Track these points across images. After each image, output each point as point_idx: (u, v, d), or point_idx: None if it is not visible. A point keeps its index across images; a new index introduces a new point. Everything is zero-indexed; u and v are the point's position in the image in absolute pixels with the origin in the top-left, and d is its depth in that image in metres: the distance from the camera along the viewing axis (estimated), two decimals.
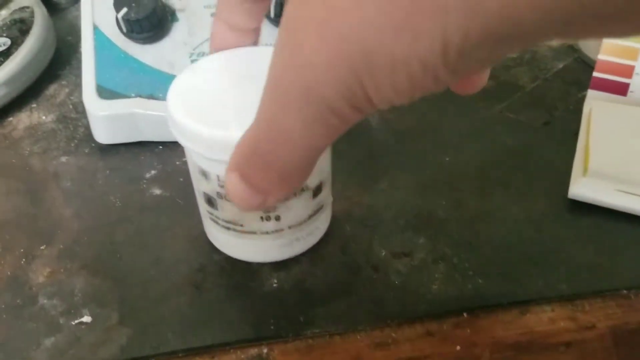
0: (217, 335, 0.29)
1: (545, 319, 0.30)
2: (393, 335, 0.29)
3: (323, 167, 0.29)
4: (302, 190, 0.28)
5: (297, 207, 0.28)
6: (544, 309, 0.30)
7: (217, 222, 0.30)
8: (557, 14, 0.14)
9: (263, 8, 0.28)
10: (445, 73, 0.16)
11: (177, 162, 0.38)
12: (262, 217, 0.28)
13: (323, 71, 0.16)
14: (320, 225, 0.32)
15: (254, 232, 0.29)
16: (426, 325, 0.30)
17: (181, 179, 0.37)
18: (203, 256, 0.32)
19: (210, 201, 0.29)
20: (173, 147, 0.38)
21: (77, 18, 0.48)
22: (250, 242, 0.30)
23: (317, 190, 0.29)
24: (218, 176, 0.27)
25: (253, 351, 0.28)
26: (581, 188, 0.35)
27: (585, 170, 0.36)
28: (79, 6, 0.49)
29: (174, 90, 0.26)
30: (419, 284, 0.31)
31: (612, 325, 0.30)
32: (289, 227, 0.29)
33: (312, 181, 0.28)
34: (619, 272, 0.32)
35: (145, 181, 0.36)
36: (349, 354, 0.29)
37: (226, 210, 0.28)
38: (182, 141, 0.26)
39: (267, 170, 0.20)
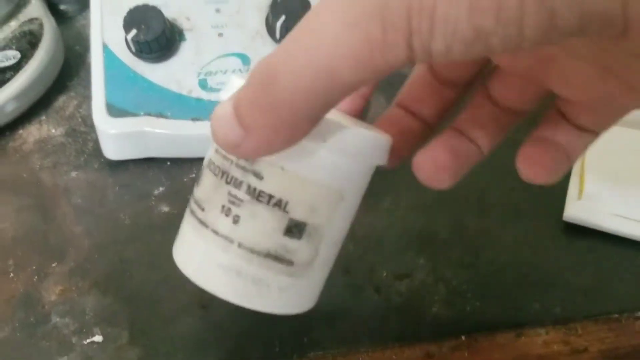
0: (224, 355, 0.30)
1: (540, 342, 0.31)
2: (394, 357, 0.31)
3: (317, 206, 0.22)
4: (274, 204, 0.22)
5: (259, 221, 0.22)
6: (538, 332, 0.32)
7: (189, 205, 0.24)
8: None
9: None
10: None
11: (185, 179, 0.39)
12: (222, 208, 0.22)
13: None
14: (281, 289, 0.23)
15: (205, 226, 0.23)
16: (425, 348, 0.31)
17: (189, 196, 0.38)
18: None
19: (198, 176, 0.24)
20: (180, 164, 0.39)
21: (85, 27, 0.49)
22: (199, 242, 0.23)
23: (294, 227, 0.22)
24: None
25: None
26: (576, 211, 0.36)
27: (580, 193, 0.37)
28: (86, 14, 0.50)
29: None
30: (420, 306, 0.32)
31: (603, 349, 0.31)
32: (239, 245, 0.22)
33: (295, 209, 0.22)
34: (611, 296, 0.33)
35: (153, 198, 0.37)
36: None
37: (203, 184, 0.23)
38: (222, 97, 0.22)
39: (262, 98, 0.18)
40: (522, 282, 0.33)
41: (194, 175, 0.39)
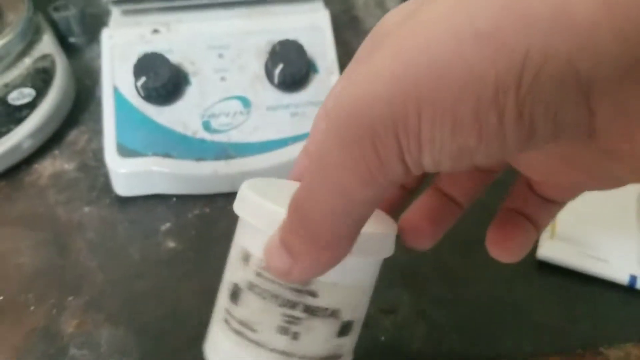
0: None
1: None
2: None
3: (357, 304, 0.25)
4: (329, 315, 0.24)
5: (317, 332, 0.24)
6: None
7: (229, 323, 0.25)
8: None
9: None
10: (513, 104, 0.15)
11: (189, 215, 0.42)
12: (279, 328, 0.24)
13: (383, 84, 0.16)
14: None
15: (262, 346, 0.24)
16: None
17: (193, 232, 0.41)
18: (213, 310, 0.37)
19: (234, 294, 0.25)
20: (185, 200, 0.43)
21: (93, 59, 0.52)
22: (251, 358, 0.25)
23: (345, 328, 0.25)
24: (262, 259, 0.24)
25: None
26: (549, 250, 0.39)
27: (553, 234, 0.40)
28: (94, 47, 0.52)
29: (247, 184, 0.26)
30: (402, 341, 0.36)
31: None
32: (302, 357, 0.24)
33: (345, 312, 0.24)
34: (575, 332, 0.36)
35: (160, 234, 0.41)
36: None
37: (248, 306, 0.24)
38: (241, 213, 0.25)
39: (299, 227, 0.20)
40: (497, 318, 0.37)
41: (198, 211, 0.42)
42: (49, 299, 0.37)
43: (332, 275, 0.22)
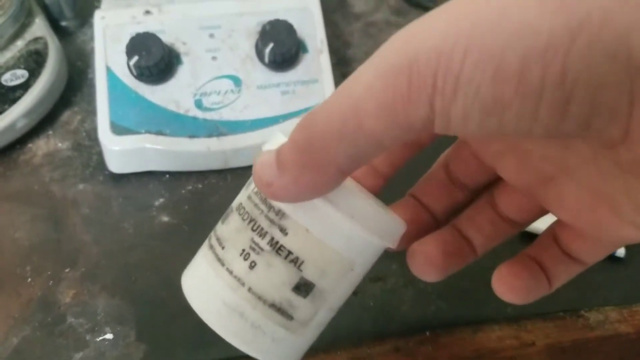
0: (221, 351, 0.34)
1: (494, 337, 0.36)
2: (368, 351, 0.35)
3: (327, 270, 0.23)
4: (291, 260, 0.23)
5: (273, 272, 0.23)
6: (493, 329, 0.36)
7: (209, 240, 0.26)
8: None
9: (402, 158, 0.27)
10: (559, 65, 0.15)
11: (182, 191, 0.43)
12: (242, 252, 0.23)
13: (443, 22, 0.16)
14: (274, 340, 0.24)
15: (222, 264, 0.24)
16: (395, 342, 0.36)
17: (186, 207, 0.42)
18: None
19: (226, 215, 0.26)
20: (178, 177, 0.44)
21: (85, 42, 0.53)
22: (209, 275, 0.24)
23: (303, 286, 0.23)
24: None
25: None
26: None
27: None
28: (86, 30, 0.53)
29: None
30: (391, 306, 0.37)
31: (548, 343, 0.36)
32: (249, 289, 0.23)
33: (308, 269, 0.23)
34: (558, 296, 0.38)
35: (154, 209, 0.42)
36: None
37: (229, 224, 0.24)
38: (264, 147, 0.24)
39: (298, 140, 0.19)
40: (480, 285, 0.38)
41: (190, 187, 0.43)
42: (46, 271, 0.38)
43: (306, 220, 0.22)
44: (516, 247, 0.40)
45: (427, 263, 0.25)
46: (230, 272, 0.23)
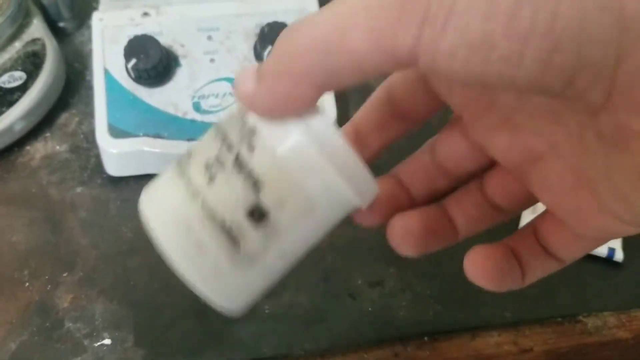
0: (218, 357, 0.34)
1: (492, 343, 0.36)
2: (365, 356, 0.35)
3: (287, 201, 0.21)
4: (250, 181, 0.21)
5: (230, 188, 0.21)
6: (491, 334, 0.36)
7: (182, 156, 0.23)
8: None
9: (393, 133, 0.26)
10: (551, 7, 0.15)
11: None
12: (206, 164, 0.22)
13: None
14: (215, 268, 0.22)
15: (183, 175, 0.22)
16: (393, 348, 0.36)
17: None
18: None
19: (206, 133, 0.24)
20: None
21: (83, 44, 0.52)
22: (169, 184, 0.23)
23: (258, 212, 0.21)
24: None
25: None
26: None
27: (534, 210, 0.41)
28: (84, 31, 0.53)
29: None
30: (388, 311, 0.37)
31: (546, 349, 0.36)
32: (202, 203, 0.21)
33: (267, 195, 0.21)
34: (556, 302, 0.38)
35: None
36: None
37: (202, 139, 0.23)
38: None
39: (280, 50, 0.19)
40: (478, 290, 0.38)
41: None
42: (44, 275, 0.38)
43: (276, 141, 0.21)
44: None
45: (406, 235, 0.25)
46: (189, 182, 0.22)
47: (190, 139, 0.42)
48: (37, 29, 0.49)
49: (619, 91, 0.16)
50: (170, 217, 0.22)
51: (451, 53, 0.16)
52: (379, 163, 0.27)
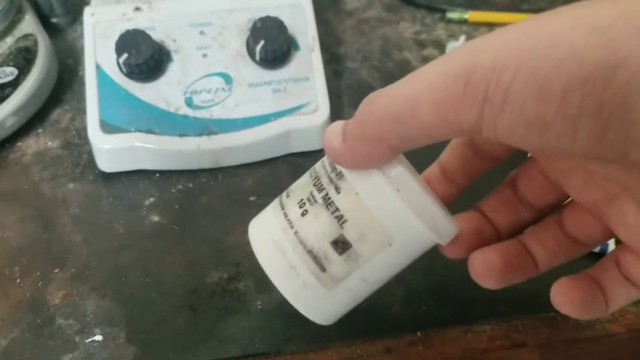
0: (211, 352, 0.34)
1: (485, 338, 0.36)
2: (358, 351, 0.35)
3: (367, 236, 0.25)
4: (337, 216, 0.25)
5: (319, 223, 0.26)
6: (484, 329, 0.36)
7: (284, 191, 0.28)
8: None
9: (476, 171, 0.29)
10: (598, 96, 0.17)
11: (173, 190, 0.43)
12: (300, 201, 0.26)
13: (501, 42, 0.18)
14: (305, 285, 0.26)
15: (282, 207, 0.27)
16: (386, 343, 0.36)
17: (176, 207, 0.42)
18: (197, 281, 0.38)
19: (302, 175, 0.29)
20: (169, 175, 0.43)
21: (75, 39, 0.52)
22: (270, 216, 0.27)
23: (341, 243, 0.26)
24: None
25: None
26: None
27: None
28: (76, 27, 0.53)
29: None
30: (382, 306, 0.37)
31: (539, 343, 0.36)
32: (295, 233, 0.26)
33: (350, 229, 0.25)
34: (548, 296, 0.38)
35: (144, 208, 0.41)
36: None
37: (299, 180, 0.28)
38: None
39: (360, 115, 0.22)
40: (472, 284, 0.38)
41: (181, 186, 0.43)
42: (35, 271, 0.38)
43: (359, 184, 0.25)
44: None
45: (487, 269, 0.27)
46: (286, 215, 0.27)
47: (182, 135, 0.42)
48: (29, 24, 0.49)
49: None
50: (269, 242, 0.27)
51: (510, 129, 0.18)
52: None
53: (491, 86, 0.18)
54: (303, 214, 0.26)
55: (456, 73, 0.19)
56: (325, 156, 0.26)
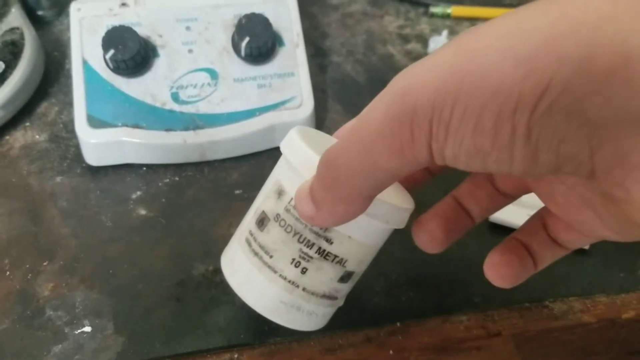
0: (196, 343, 0.35)
1: (462, 327, 0.37)
2: (340, 341, 0.36)
3: (362, 259, 0.29)
4: (337, 262, 0.28)
5: (323, 273, 0.28)
6: (461, 319, 0.38)
7: (250, 244, 0.29)
8: None
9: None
10: (525, 124, 0.18)
11: (159, 184, 0.43)
12: (292, 260, 0.28)
13: (436, 76, 0.19)
14: (324, 315, 0.31)
15: (274, 270, 0.28)
16: (366, 333, 0.37)
17: (163, 200, 0.42)
18: (183, 272, 0.39)
19: (261, 221, 0.29)
20: (155, 169, 0.44)
21: (62, 32, 0.53)
22: (263, 281, 0.28)
23: (346, 276, 0.29)
24: (292, 198, 0.27)
25: (226, 356, 0.35)
26: (501, 213, 0.42)
27: None
28: (63, 20, 0.53)
29: (297, 129, 0.29)
30: (363, 298, 0.38)
31: (514, 333, 0.37)
32: (303, 289, 0.28)
33: (350, 263, 0.28)
34: (523, 287, 0.39)
35: (131, 202, 0.42)
36: (304, 358, 0.36)
37: (271, 234, 0.28)
38: (285, 151, 0.28)
39: (326, 179, 0.23)
40: (449, 276, 0.39)
41: (168, 180, 0.44)
42: (24, 264, 0.38)
43: (348, 229, 0.27)
44: (484, 237, 0.42)
45: (432, 240, 0.29)
46: (284, 278, 0.28)
47: (168, 129, 0.43)
48: (15, 17, 0.49)
49: (600, 172, 0.19)
50: (279, 306, 0.29)
51: (455, 159, 0.20)
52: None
53: (434, 123, 0.19)
54: (303, 272, 0.28)
55: (400, 116, 0.20)
56: (291, 204, 0.27)
